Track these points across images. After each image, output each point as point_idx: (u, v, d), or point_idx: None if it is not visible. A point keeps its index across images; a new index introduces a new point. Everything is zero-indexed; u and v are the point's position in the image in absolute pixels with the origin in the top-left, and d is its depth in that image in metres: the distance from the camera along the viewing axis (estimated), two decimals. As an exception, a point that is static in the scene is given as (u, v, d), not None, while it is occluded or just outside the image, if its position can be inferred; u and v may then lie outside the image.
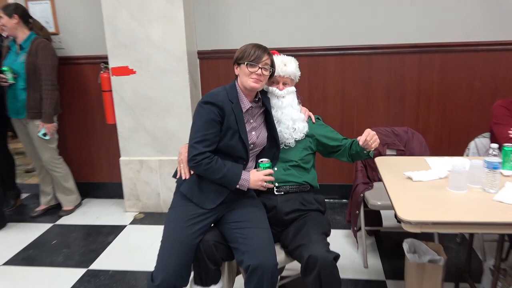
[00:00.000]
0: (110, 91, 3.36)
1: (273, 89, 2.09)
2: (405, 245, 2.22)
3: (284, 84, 2.10)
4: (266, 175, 1.81)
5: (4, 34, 3.26)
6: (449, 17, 3.16)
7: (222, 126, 1.77)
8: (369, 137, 1.84)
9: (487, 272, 2.18)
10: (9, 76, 3.19)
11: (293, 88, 2.12)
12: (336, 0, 3.23)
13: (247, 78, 1.80)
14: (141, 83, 3.27)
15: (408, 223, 1.62)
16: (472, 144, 2.68)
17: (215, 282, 1.90)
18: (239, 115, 1.80)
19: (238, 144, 1.81)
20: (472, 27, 3.14)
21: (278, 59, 2.06)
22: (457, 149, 2.99)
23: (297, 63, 2.14)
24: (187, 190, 1.85)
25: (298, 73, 2.15)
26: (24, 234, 3.36)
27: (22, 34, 3.23)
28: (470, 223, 1.63)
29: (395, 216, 2.70)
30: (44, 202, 3.70)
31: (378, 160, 2.31)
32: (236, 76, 1.90)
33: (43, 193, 3.70)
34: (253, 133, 1.88)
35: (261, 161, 1.82)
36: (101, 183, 3.91)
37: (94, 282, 2.68)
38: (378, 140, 1.87)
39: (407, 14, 3.20)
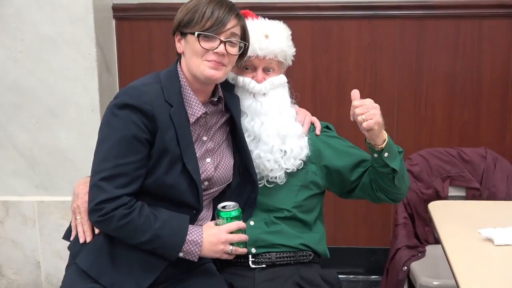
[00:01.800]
0: None
1: (245, 80, 1.64)
2: None
3: (266, 71, 1.66)
4: (232, 232, 1.35)
5: None
6: None
7: (151, 149, 1.26)
8: (359, 107, 1.40)
9: None
10: None
11: (281, 78, 1.68)
12: None
13: (199, 60, 1.30)
14: (8, 61, 2.45)
15: None
16: None
17: None
18: (183, 129, 1.29)
19: (180, 181, 1.30)
20: None
21: (255, 26, 1.64)
22: None
23: (289, 33, 1.72)
24: (90, 264, 1.34)
25: (291, 51, 1.71)
26: None
27: None
28: None
29: None
30: None
31: (434, 208, 1.91)
32: (179, 56, 1.40)
33: None
34: (208, 160, 1.40)
35: (223, 207, 1.37)
36: None
37: None
38: (376, 118, 1.40)
39: None
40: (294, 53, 1.68)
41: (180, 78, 1.35)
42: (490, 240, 1.51)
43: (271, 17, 1.60)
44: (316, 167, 1.64)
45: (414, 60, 2.51)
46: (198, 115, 1.32)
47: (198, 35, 1.26)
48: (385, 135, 1.46)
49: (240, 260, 1.55)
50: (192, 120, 1.32)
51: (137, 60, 2.67)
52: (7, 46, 2.36)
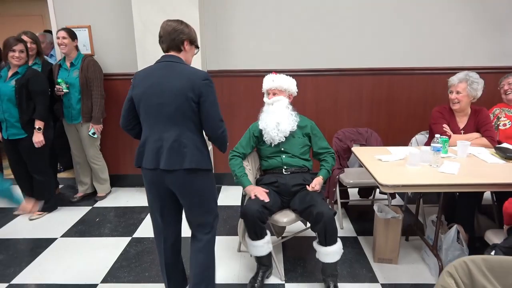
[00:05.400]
0: (139, 101, 3.71)
1: (266, 98, 2.47)
2: (376, 207, 2.73)
3: (273, 94, 2.44)
4: None
5: (62, 51, 3.54)
6: (393, 48, 3.81)
7: None
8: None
9: (429, 224, 2.74)
10: (63, 86, 3.50)
11: (280, 97, 2.43)
12: (316, 35, 3.74)
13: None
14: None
15: (386, 186, 2.05)
16: (413, 139, 3.24)
17: (265, 235, 2.31)
18: None
19: None
20: (410, 56, 3.81)
21: (271, 76, 2.46)
22: (400, 143, 3.16)
23: (288, 79, 2.46)
24: None
25: (286, 86, 2.46)
26: (71, 214, 3.62)
27: (74, 53, 3.60)
28: (428, 185, 2.13)
29: (358, 192, 3.60)
30: (82, 190, 3.96)
31: (355, 150, 2.79)
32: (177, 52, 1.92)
33: (80, 183, 3.95)
34: None
35: None
36: (126, 175, 4.14)
37: (141, 246, 3.02)
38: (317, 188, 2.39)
39: (366, 45, 3.74)
40: (297, 90, 2.51)
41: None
42: (380, 159, 2.43)
43: (282, 73, 2.49)
44: (305, 137, 2.49)
45: (334, 92, 3.82)
46: None
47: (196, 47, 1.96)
48: (322, 179, 2.41)
49: (279, 170, 2.44)
50: None
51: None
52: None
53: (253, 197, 2.23)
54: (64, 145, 3.90)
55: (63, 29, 3.51)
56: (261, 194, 2.27)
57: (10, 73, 3.26)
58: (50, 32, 4.27)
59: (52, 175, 3.72)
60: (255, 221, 2.21)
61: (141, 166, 1.95)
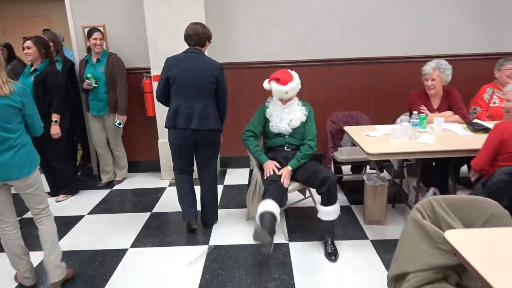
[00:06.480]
0: (151, 92, 3.98)
1: (279, 103, 2.77)
2: (365, 177, 3.15)
3: (287, 101, 2.78)
4: None
5: (98, 50, 3.87)
6: (379, 39, 4.18)
7: None
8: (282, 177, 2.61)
9: (411, 190, 3.18)
10: (92, 81, 3.86)
11: (293, 100, 2.76)
12: (308, 29, 4.14)
13: None
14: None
15: (372, 154, 2.45)
16: (398, 119, 3.69)
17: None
18: None
19: None
20: (394, 47, 4.21)
21: (283, 89, 2.67)
22: (387, 124, 3.36)
23: (295, 81, 2.69)
24: None
25: (296, 91, 2.73)
26: (93, 197, 3.99)
27: (102, 50, 3.96)
28: (406, 152, 2.55)
29: (351, 169, 3.99)
30: (106, 178, 4.29)
31: (347, 129, 3.18)
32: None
33: (104, 172, 4.28)
34: None
35: None
36: (139, 161, 4.47)
37: (161, 219, 3.40)
38: (287, 181, 2.61)
39: (352, 37, 4.15)
40: (299, 87, 2.70)
41: None
42: (368, 135, 2.86)
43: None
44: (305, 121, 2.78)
45: (327, 80, 4.21)
46: None
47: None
48: (290, 168, 2.67)
49: (282, 148, 2.80)
50: None
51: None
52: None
53: (268, 174, 2.57)
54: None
55: (98, 30, 3.84)
56: (274, 168, 2.64)
57: (31, 70, 3.54)
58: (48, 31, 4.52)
59: (71, 161, 4.03)
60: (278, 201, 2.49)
61: (173, 126, 2.64)
